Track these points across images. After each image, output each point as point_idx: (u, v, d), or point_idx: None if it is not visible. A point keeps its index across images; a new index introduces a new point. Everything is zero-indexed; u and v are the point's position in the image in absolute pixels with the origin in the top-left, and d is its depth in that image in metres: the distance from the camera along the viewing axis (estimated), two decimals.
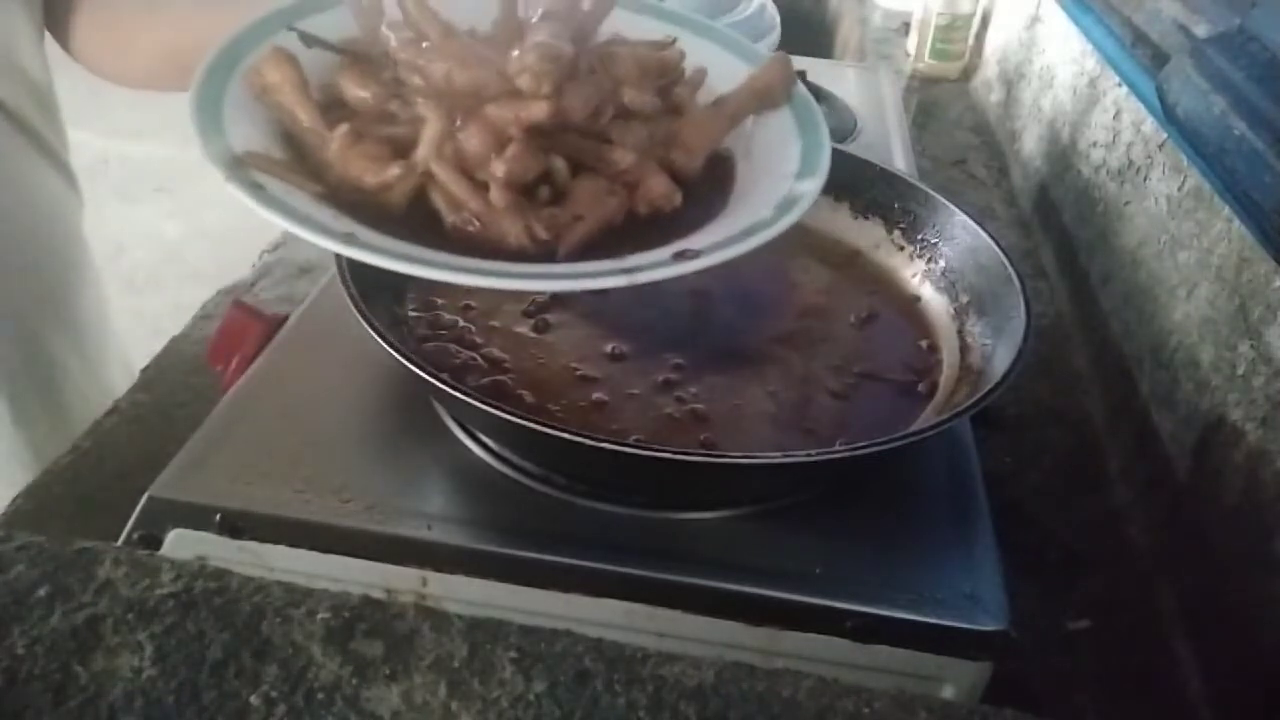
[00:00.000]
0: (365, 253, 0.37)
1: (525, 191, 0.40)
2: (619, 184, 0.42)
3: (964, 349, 0.51)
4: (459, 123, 0.40)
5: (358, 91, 0.42)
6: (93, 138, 2.96)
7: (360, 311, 0.42)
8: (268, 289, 0.74)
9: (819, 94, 0.85)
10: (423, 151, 0.40)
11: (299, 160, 0.41)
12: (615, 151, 0.42)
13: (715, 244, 0.40)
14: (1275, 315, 0.50)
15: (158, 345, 0.68)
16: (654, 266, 0.39)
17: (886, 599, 0.40)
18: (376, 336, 0.41)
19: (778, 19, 1.25)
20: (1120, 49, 0.78)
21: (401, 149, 0.40)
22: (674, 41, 0.47)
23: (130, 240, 2.34)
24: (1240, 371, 0.52)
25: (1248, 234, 0.53)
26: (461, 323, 0.50)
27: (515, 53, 0.40)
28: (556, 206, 0.41)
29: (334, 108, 0.42)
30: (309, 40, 0.44)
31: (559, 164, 0.41)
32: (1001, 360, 0.45)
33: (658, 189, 0.42)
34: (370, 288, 0.44)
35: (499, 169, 0.39)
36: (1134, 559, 0.59)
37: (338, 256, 0.45)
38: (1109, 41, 0.82)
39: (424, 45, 0.41)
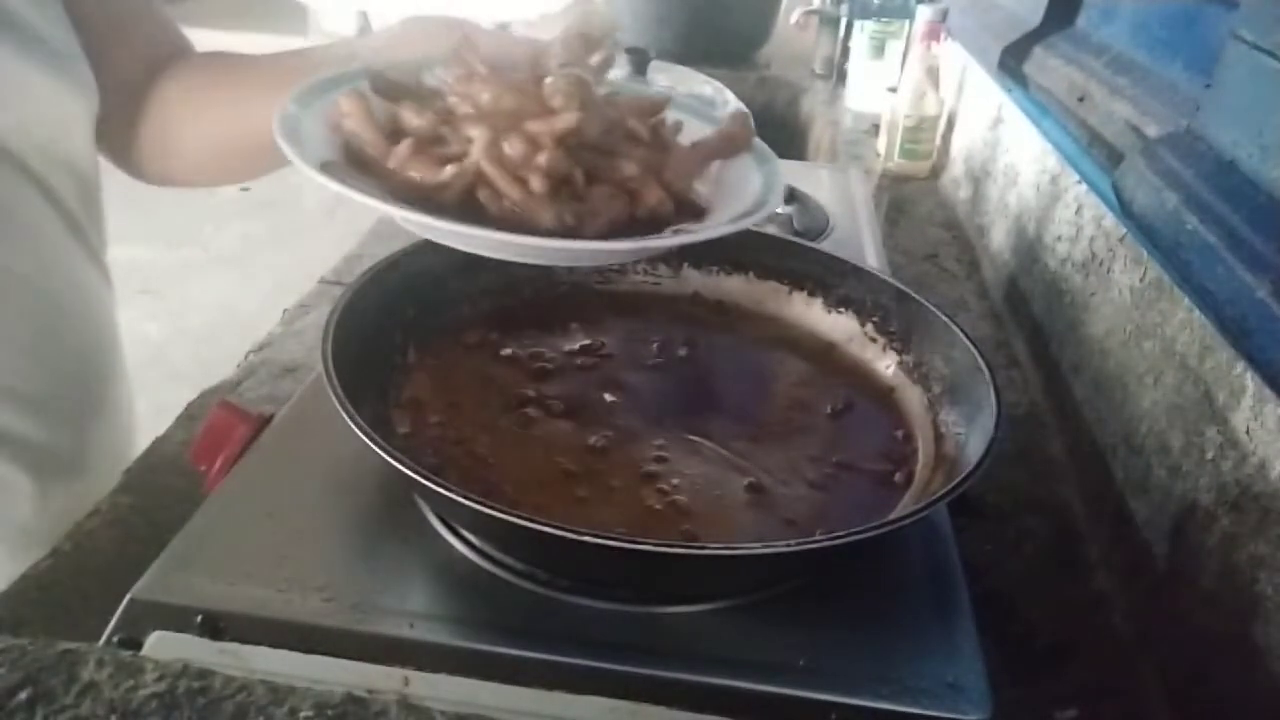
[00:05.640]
0: (439, 224, 0.45)
1: (554, 190, 0.49)
2: (624, 191, 0.52)
3: (938, 438, 0.52)
4: (502, 136, 0.49)
5: (415, 120, 0.51)
6: None
7: (344, 409, 0.43)
8: (252, 389, 0.75)
9: (793, 195, 0.88)
10: (475, 154, 0.49)
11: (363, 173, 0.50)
12: (621, 163, 0.52)
13: (704, 228, 0.52)
14: (1239, 401, 0.51)
15: (141, 447, 0.68)
16: (659, 240, 0.51)
17: (869, 690, 0.40)
18: (360, 433, 0.42)
19: (752, 124, 1.30)
20: (1078, 149, 0.81)
21: (451, 162, 0.50)
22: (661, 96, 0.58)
23: None
24: (1209, 456, 0.54)
25: (1207, 323, 0.55)
26: (445, 419, 0.51)
27: (549, 79, 0.50)
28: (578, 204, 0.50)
29: (393, 138, 0.51)
30: (378, 80, 0.53)
31: (578, 174, 0.51)
32: (974, 449, 0.46)
33: (654, 196, 0.53)
34: (355, 385, 0.45)
35: (542, 160, 0.48)
36: (1118, 646, 0.59)
37: (324, 354, 0.46)
38: (1066, 142, 0.85)
39: (473, 79, 0.51)
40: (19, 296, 0.60)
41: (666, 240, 0.51)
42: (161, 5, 0.69)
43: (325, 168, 0.47)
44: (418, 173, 0.49)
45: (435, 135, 0.51)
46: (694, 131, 0.58)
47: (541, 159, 0.48)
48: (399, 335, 0.56)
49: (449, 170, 0.48)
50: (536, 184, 0.48)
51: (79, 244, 0.65)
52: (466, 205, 0.49)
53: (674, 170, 0.54)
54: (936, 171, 1.36)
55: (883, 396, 0.57)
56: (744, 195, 0.55)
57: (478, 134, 0.49)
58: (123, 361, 0.74)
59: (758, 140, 0.60)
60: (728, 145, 0.58)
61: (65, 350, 0.65)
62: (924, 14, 1.32)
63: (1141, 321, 0.66)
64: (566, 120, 0.49)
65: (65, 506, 0.63)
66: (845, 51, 1.71)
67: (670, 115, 0.57)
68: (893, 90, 1.36)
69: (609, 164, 0.52)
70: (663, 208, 0.53)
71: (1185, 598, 0.54)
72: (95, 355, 0.69)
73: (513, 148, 0.48)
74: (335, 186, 0.45)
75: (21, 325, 0.61)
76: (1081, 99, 0.75)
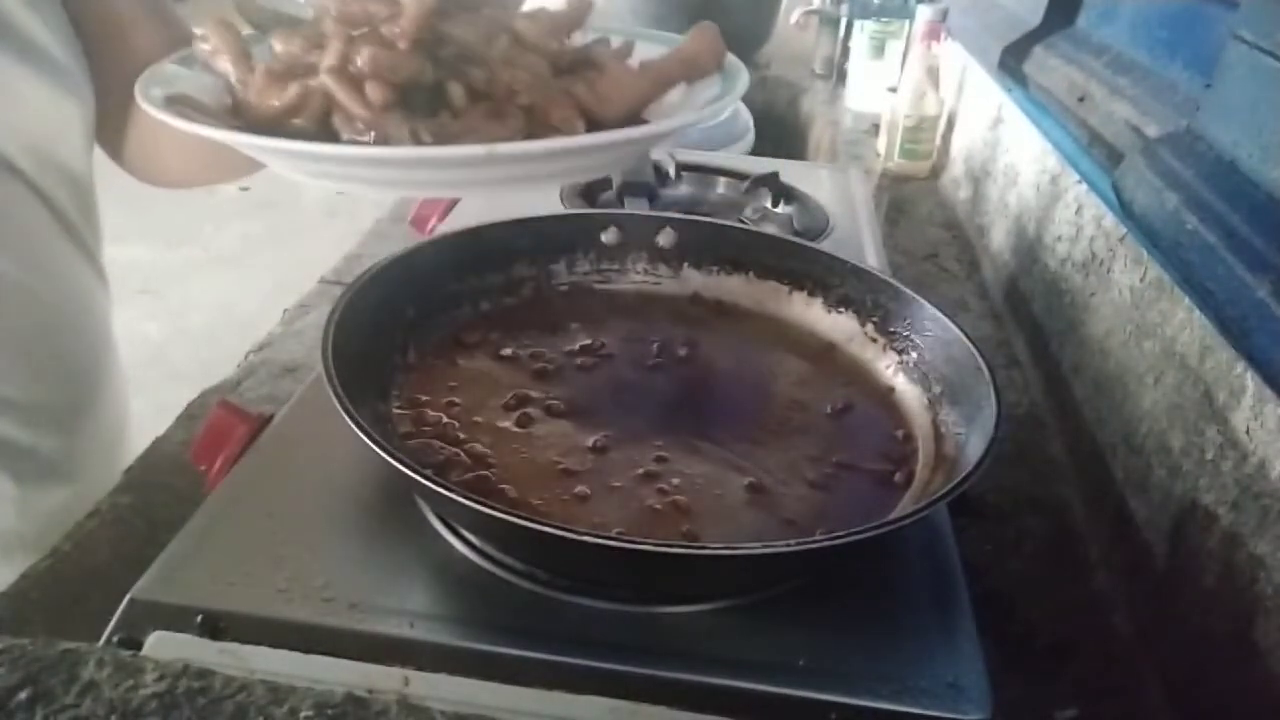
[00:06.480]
0: (252, 138, 0.40)
1: (404, 103, 0.43)
2: (515, 108, 0.44)
3: (938, 438, 0.52)
4: (353, 47, 0.43)
5: (283, 46, 0.45)
6: None
7: (344, 408, 0.43)
8: (252, 389, 0.75)
9: (793, 194, 0.88)
10: (320, 70, 0.43)
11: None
12: (508, 73, 0.44)
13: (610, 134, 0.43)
14: (1239, 401, 0.51)
15: (140, 447, 0.68)
16: (521, 145, 0.42)
17: (869, 690, 0.40)
18: (360, 433, 0.42)
19: (751, 122, 1.30)
20: (1078, 148, 0.81)
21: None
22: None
23: None
24: (1209, 456, 0.54)
25: (1207, 323, 0.55)
26: (445, 419, 0.51)
27: None
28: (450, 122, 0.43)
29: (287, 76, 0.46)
30: (244, 6, 0.48)
31: (457, 90, 0.43)
32: (974, 448, 0.46)
33: (558, 114, 0.44)
34: (355, 385, 0.45)
35: (366, 56, 0.42)
36: (1119, 646, 0.59)
37: (324, 354, 0.46)
38: (1067, 141, 0.85)
39: None
40: (9, 300, 0.60)
41: (531, 144, 0.42)
42: (168, 3, 0.68)
43: (169, 102, 0.43)
44: (266, 98, 0.44)
45: (307, 64, 0.44)
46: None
47: (366, 57, 0.42)
48: (399, 335, 0.56)
49: (293, 89, 0.43)
50: (375, 94, 0.42)
51: (73, 247, 0.65)
52: (326, 134, 0.43)
53: (604, 93, 0.46)
54: (936, 171, 1.36)
55: (883, 396, 0.57)
56: (695, 106, 0.48)
57: (330, 44, 0.43)
58: (117, 364, 0.73)
59: (730, 58, 0.52)
60: (686, 67, 0.50)
61: (55, 354, 0.65)
62: (924, 14, 1.32)
63: (1141, 321, 0.66)
64: (410, 14, 0.42)
65: (51, 510, 0.62)
66: (845, 51, 1.72)
67: (618, 37, 0.51)
68: (893, 90, 1.37)
69: (494, 73, 0.44)
70: (569, 130, 0.44)
71: (1185, 598, 0.54)
72: (87, 358, 0.69)
73: (363, 57, 0.42)
74: (177, 122, 0.40)
75: (11, 329, 0.60)
76: (1081, 99, 0.75)
